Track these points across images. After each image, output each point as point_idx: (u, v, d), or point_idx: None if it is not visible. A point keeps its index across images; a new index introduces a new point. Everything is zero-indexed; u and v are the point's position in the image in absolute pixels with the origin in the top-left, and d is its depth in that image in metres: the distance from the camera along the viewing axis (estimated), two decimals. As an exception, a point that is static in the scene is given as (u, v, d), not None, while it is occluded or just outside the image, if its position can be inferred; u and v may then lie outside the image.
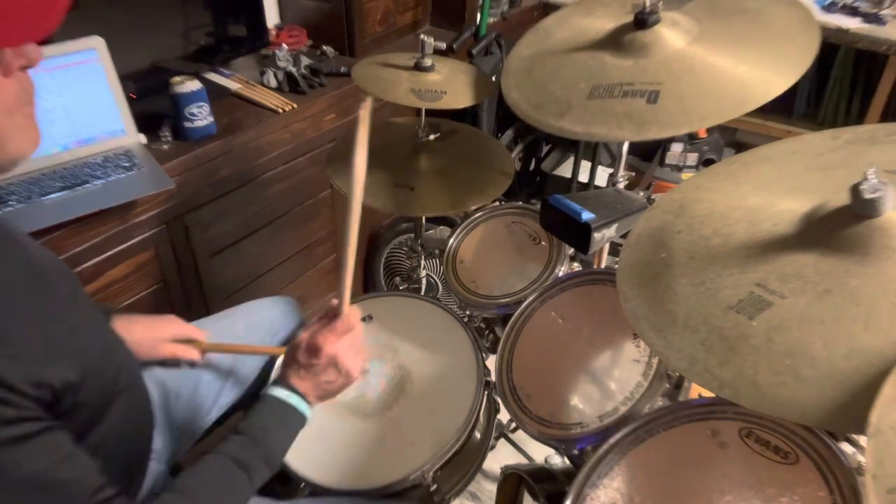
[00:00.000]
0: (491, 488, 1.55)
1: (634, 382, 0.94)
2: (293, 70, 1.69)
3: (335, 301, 0.86)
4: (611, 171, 1.32)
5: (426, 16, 2.12)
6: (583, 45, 1.07)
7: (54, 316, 0.69)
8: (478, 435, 1.11)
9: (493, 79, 1.66)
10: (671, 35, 0.99)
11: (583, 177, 2.35)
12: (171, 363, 1.05)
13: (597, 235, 1.05)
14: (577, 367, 1.02)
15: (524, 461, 1.48)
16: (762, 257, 0.68)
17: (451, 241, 1.39)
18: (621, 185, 1.28)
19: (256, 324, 1.17)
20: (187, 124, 1.41)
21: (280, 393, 0.84)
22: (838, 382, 0.56)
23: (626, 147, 1.28)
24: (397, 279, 2.09)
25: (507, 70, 1.14)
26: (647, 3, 0.99)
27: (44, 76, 1.25)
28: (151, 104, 1.46)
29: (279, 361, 1.12)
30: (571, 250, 1.28)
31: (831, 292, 0.62)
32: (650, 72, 0.97)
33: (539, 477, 1.04)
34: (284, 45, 1.75)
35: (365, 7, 1.83)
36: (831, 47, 2.19)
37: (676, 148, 2.40)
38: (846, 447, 0.71)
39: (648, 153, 2.62)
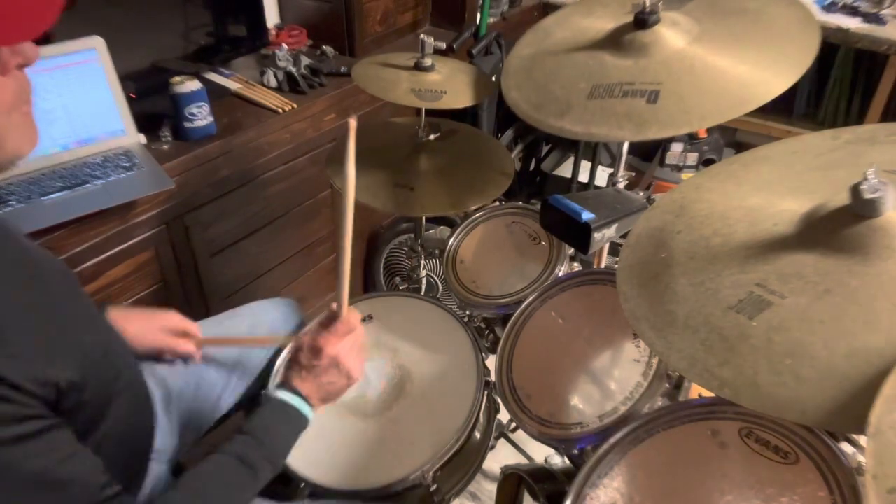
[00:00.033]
0: (491, 488, 1.55)
1: (634, 382, 0.94)
2: (293, 70, 1.69)
3: (335, 305, 0.87)
4: (611, 171, 1.32)
5: (426, 16, 2.12)
6: (583, 45, 1.07)
7: (54, 316, 0.69)
8: (478, 435, 1.11)
9: (493, 79, 1.66)
10: (671, 35, 0.99)
11: (583, 177, 2.35)
12: (169, 360, 1.05)
13: (597, 235, 1.05)
14: (577, 367, 1.02)
15: (524, 461, 1.48)
16: (762, 257, 0.68)
17: (451, 241, 1.40)
18: (621, 185, 1.28)
19: (257, 325, 1.17)
20: (187, 124, 1.41)
21: (282, 395, 0.84)
22: (838, 382, 0.56)
23: (626, 147, 1.28)
24: (397, 279, 2.09)
25: (507, 70, 1.14)
26: (647, 3, 0.99)
27: (44, 76, 1.25)
28: (151, 104, 1.46)
29: (279, 362, 1.13)
30: (571, 250, 1.28)
31: (831, 292, 0.62)
32: (650, 72, 0.97)
33: (539, 477, 1.04)
34: (284, 45, 1.75)
35: (365, 7, 1.83)
36: (831, 47, 2.19)
37: (676, 148, 2.40)
38: (846, 447, 0.71)
39: (648, 153, 2.62)
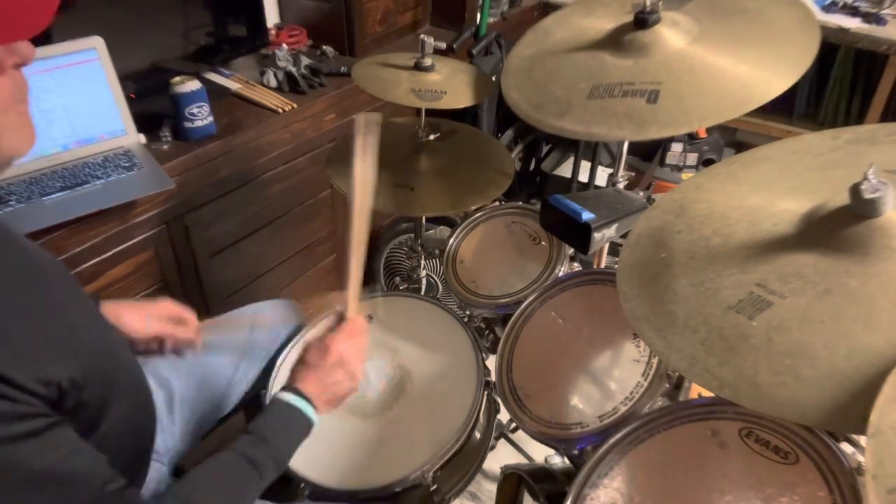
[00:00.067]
0: (491, 488, 1.55)
1: (634, 382, 0.94)
2: (293, 70, 1.69)
3: (339, 307, 0.89)
4: (611, 171, 1.32)
5: (426, 16, 2.12)
6: (583, 45, 1.07)
7: (55, 316, 0.69)
8: (478, 435, 1.11)
9: (493, 79, 1.66)
10: (671, 35, 0.99)
11: (583, 177, 2.35)
12: (171, 359, 1.05)
13: (597, 235, 1.05)
14: (577, 367, 1.02)
15: (524, 461, 1.48)
16: (762, 257, 0.68)
17: (451, 241, 1.40)
18: (621, 185, 1.28)
19: (257, 326, 1.17)
20: (187, 124, 1.41)
21: (288, 397, 0.85)
22: (838, 382, 0.56)
23: (626, 147, 1.28)
24: (397, 279, 2.09)
25: (507, 70, 1.14)
26: (647, 3, 0.99)
27: (44, 76, 1.25)
28: (151, 104, 1.46)
29: (280, 362, 1.13)
30: (571, 250, 1.28)
31: (831, 292, 0.62)
32: (650, 72, 0.97)
33: (539, 477, 1.04)
34: (284, 45, 1.75)
35: (365, 7, 1.83)
36: (831, 47, 2.19)
37: (676, 148, 2.40)
38: (846, 447, 0.71)
39: (648, 153, 2.62)
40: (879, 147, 0.78)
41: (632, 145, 1.32)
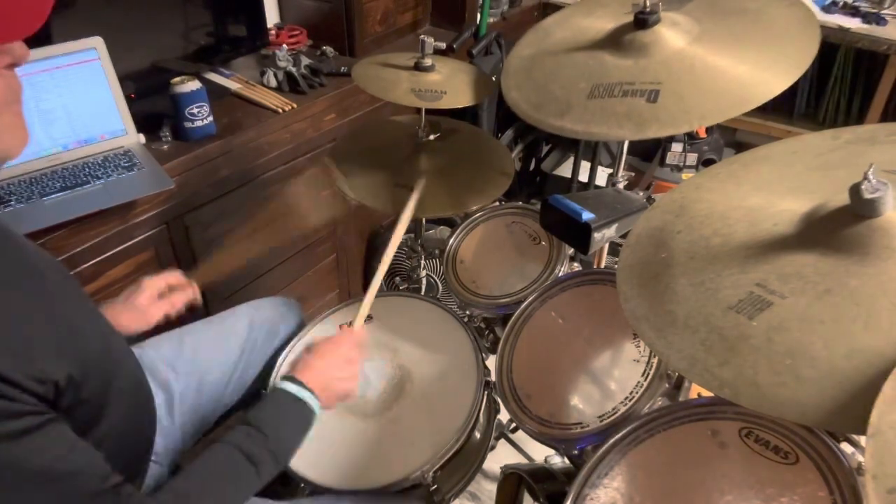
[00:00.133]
0: (491, 488, 1.55)
1: (634, 382, 0.94)
2: (293, 70, 1.69)
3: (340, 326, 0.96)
4: (611, 171, 1.32)
5: (426, 16, 2.12)
6: (583, 45, 1.07)
7: (54, 315, 0.69)
8: (478, 435, 1.11)
9: (493, 79, 1.66)
10: (671, 35, 0.99)
11: (583, 177, 2.35)
12: (172, 365, 1.05)
13: (597, 235, 1.05)
14: (577, 367, 1.02)
15: (524, 461, 1.48)
16: (762, 257, 0.68)
17: (451, 241, 1.40)
18: (621, 185, 1.28)
19: (257, 324, 1.17)
20: (187, 124, 1.41)
21: (290, 387, 0.84)
22: (838, 382, 0.56)
23: (626, 147, 1.28)
24: (397, 279, 2.09)
25: (507, 70, 1.14)
26: (647, 3, 0.99)
27: (44, 76, 1.25)
28: (151, 104, 1.46)
29: (280, 361, 1.13)
30: (571, 250, 1.28)
31: (831, 292, 0.62)
32: (650, 71, 0.97)
33: (539, 477, 1.04)
34: (284, 45, 1.75)
35: (365, 7, 1.83)
36: (831, 47, 2.19)
37: (676, 148, 2.40)
38: (846, 447, 0.71)
39: (648, 153, 2.62)
40: (879, 147, 0.78)
41: (632, 145, 1.31)
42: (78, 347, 0.70)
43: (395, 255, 2.08)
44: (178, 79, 1.40)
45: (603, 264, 1.45)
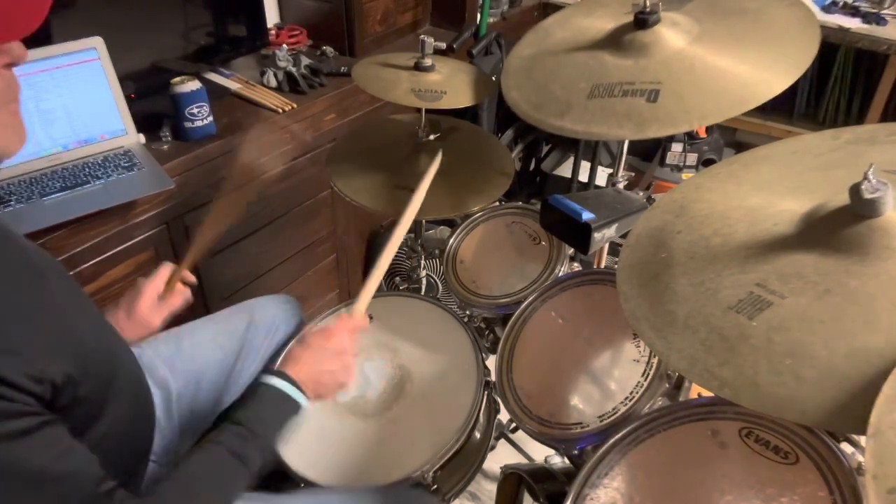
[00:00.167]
0: (491, 488, 1.55)
1: (634, 382, 0.94)
2: (293, 70, 1.69)
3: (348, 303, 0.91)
4: (611, 171, 1.32)
5: (426, 16, 2.12)
6: (583, 45, 1.07)
7: (53, 315, 0.69)
8: (478, 435, 1.11)
9: (493, 79, 1.66)
10: (671, 35, 0.99)
11: (583, 177, 2.35)
12: (171, 362, 1.05)
13: (597, 235, 1.05)
14: (577, 367, 1.02)
15: (524, 461, 1.48)
16: (762, 257, 0.68)
17: (451, 241, 1.39)
18: (621, 185, 1.28)
19: (257, 322, 1.17)
20: (187, 124, 1.41)
21: (277, 382, 0.85)
22: (838, 382, 0.56)
23: (626, 147, 1.28)
24: (397, 279, 2.09)
25: (507, 70, 1.14)
26: (647, 3, 0.99)
27: (44, 76, 1.25)
28: (151, 104, 1.46)
29: (280, 361, 1.12)
30: (571, 250, 1.28)
31: (831, 292, 0.62)
32: (650, 71, 0.97)
33: (539, 477, 1.04)
34: (284, 45, 1.75)
35: (365, 7, 1.83)
36: (831, 47, 2.19)
37: (676, 148, 2.40)
38: (846, 447, 0.71)
39: (648, 153, 2.62)
40: (879, 147, 0.78)
41: (632, 145, 1.31)
42: (77, 347, 0.70)
43: (395, 256, 2.09)
44: (178, 79, 1.40)
45: (603, 264, 1.45)
